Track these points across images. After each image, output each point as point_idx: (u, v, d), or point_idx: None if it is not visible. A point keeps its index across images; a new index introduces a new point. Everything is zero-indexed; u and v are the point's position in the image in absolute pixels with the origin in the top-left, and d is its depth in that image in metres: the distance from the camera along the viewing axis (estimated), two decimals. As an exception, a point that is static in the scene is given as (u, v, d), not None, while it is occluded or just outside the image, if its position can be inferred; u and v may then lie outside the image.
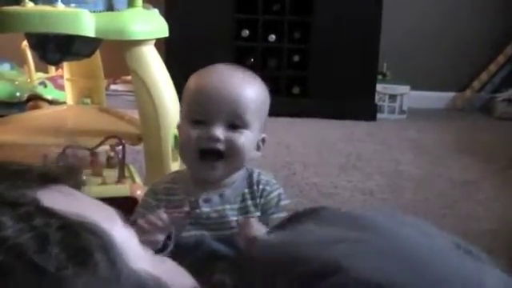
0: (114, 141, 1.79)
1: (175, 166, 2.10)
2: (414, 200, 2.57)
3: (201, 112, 1.19)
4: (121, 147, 1.73)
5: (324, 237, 0.63)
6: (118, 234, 0.56)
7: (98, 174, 1.70)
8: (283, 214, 1.25)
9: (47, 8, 1.91)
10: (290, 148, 3.25)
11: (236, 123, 1.19)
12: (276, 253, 0.66)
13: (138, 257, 0.59)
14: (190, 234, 1.22)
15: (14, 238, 0.48)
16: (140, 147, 2.18)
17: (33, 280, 0.46)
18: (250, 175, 1.28)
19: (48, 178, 0.59)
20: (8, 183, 0.55)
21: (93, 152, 1.74)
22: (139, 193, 1.59)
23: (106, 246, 0.53)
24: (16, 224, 0.49)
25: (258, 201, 1.25)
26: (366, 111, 4.12)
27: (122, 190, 1.62)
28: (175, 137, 2.09)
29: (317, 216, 0.74)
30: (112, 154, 1.77)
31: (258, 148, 1.27)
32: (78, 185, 0.63)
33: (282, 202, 1.27)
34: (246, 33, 4.09)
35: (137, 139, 2.17)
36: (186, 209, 1.22)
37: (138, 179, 1.76)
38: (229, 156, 1.20)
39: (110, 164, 1.77)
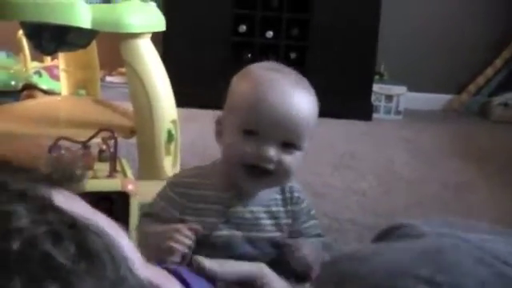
0: (106, 134, 1.77)
1: (168, 160, 2.10)
2: (407, 202, 2.56)
3: (257, 125, 1.14)
4: (113, 141, 1.71)
5: (391, 266, 0.60)
6: (120, 240, 0.57)
7: (90, 168, 1.68)
8: (315, 221, 1.27)
9: (43, -3, 1.90)
10: (284, 145, 3.23)
11: (290, 144, 1.16)
12: (335, 266, 0.66)
13: (140, 265, 0.59)
14: (222, 233, 1.19)
15: (30, 229, 0.48)
16: (134, 140, 2.17)
17: (47, 272, 0.46)
18: None
19: (53, 180, 0.58)
20: (15, 176, 0.54)
21: (85, 145, 1.72)
22: (130, 187, 1.57)
23: (110, 249, 0.53)
24: (30, 215, 0.49)
25: (289, 207, 1.24)
26: (362, 111, 4.12)
27: (112, 184, 1.60)
28: (168, 131, 2.08)
29: (395, 235, 0.70)
30: (104, 147, 1.75)
31: None
32: (77, 189, 0.62)
33: (312, 210, 1.27)
34: (243, 28, 4.08)
35: (130, 132, 2.16)
36: (219, 207, 1.21)
37: (129, 173, 1.74)
38: (277, 175, 1.16)
39: (101, 157, 1.75)
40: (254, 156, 1.14)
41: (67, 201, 0.56)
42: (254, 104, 1.15)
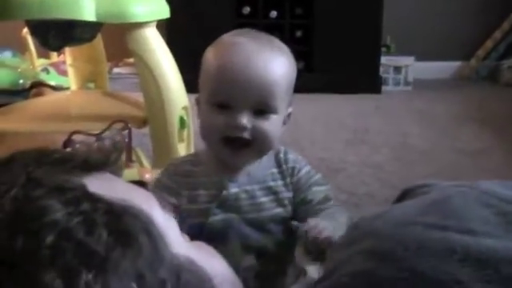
0: (120, 125, 1.77)
1: (182, 147, 2.10)
2: (424, 172, 2.56)
3: (225, 96, 1.09)
4: (127, 131, 1.71)
5: (400, 218, 0.65)
6: (158, 218, 0.59)
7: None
8: (324, 187, 1.19)
9: (46, -7, 1.89)
10: (296, 124, 3.21)
11: (263, 109, 1.10)
12: (354, 229, 0.69)
13: (176, 241, 0.61)
14: (217, 218, 1.13)
15: (64, 221, 0.51)
16: (146, 130, 2.17)
17: (82, 260, 0.49)
18: (277, 154, 1.20)
19: (90, 165, 0.62)
20: (53, 169, 0.58)
21: (99, 137, 1.72)
22: (148, 176, 1.58)
23: (148, 229, 0.56)
24: (64, 208, 0.52)
25: (288, 180, 1.18)
26: (371, 84, 4.10)
27: (130, 174, 1.60)
28: (181, 118, 2.08)
29: (415, 194, 0.74)
30: (118, 138, 1.76)
31: (284, 122, 1.17)
32: (117, 171, 0.66)
33: (315, 177, 1.20)
34: (246, 10, 4.06)
35: (142, 122, 2.16)
36: (213, 191, 1.15)
37: (145, 163, 1.75)
38: (256, 143, 1.11)
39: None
40: (227, 127, 1.09)
41: (103, 185, 0.58)
42: (217, 74, 1.10)
